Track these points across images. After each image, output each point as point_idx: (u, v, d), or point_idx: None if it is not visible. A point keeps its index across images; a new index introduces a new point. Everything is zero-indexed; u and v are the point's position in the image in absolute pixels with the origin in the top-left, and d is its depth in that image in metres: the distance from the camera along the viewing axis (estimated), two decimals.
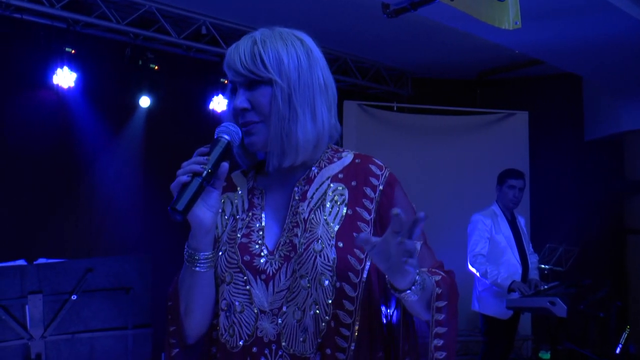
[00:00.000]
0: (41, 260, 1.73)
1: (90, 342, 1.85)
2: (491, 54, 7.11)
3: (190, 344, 1.51)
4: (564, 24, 5.11)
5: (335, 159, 1.56)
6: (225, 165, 1.41)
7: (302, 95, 1.47)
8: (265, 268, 1.46)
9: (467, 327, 6.88)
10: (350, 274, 1.43)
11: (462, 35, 5.45)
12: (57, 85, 5.51)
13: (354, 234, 1.45)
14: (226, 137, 1.44)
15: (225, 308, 1.47)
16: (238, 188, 1.58)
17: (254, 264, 1.47)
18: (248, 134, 1.47)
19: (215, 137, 1.44)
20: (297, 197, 1.50)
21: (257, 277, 1.45)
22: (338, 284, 1.42)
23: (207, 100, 6.32)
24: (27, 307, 1.73)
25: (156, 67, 5.86)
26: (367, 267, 1.44)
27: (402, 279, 1.30)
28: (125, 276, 1.75)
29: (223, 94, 6.33)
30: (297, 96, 1.46)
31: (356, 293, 1.43)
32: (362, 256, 1.44)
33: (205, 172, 1.37)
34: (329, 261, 1.42)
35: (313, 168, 1.53)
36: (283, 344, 1.43)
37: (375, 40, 6.86)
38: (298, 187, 1.52)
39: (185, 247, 1.44)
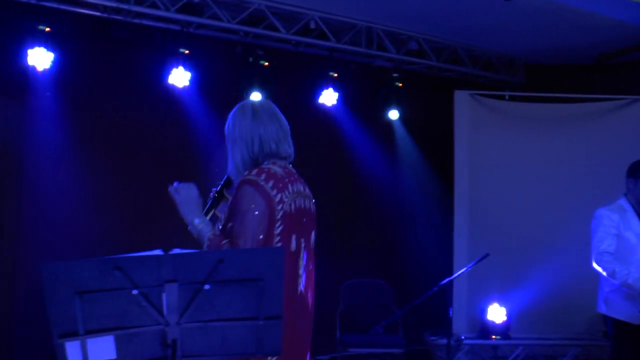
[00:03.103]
0: (176, 251, 1.76)
1: (222, 331, 1.87)
2: (611, 35, 6.68)
3: None
4: None
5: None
6: (225, 192, 2.66)
7: (229, 146, 2.61)
8: None
9: (588, 329, 6.52)
10: None
11: (579, 14, 5.14)
12: (173, 85, 5.70)
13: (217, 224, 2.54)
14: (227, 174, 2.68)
15: None
16: None
17: None
18: None
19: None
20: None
21: None
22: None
23: (317, 94, 6.35)
24: (163, 295, 1.75)
25: (266, 64, 5.94)
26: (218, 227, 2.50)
27: (183, 217, 2.49)
28: (256, 268, 1.74)
29: (334, 88, 6.34)
30: (229, 147, 2.61)
31: None
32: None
33: (213, 195, 2.69)
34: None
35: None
36: None
37: (486, 27, 6.64)
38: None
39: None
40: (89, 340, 1.80)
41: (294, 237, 2.45)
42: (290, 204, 2.46)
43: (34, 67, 5.23)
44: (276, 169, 2.50)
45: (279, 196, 2.42)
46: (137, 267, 1.72)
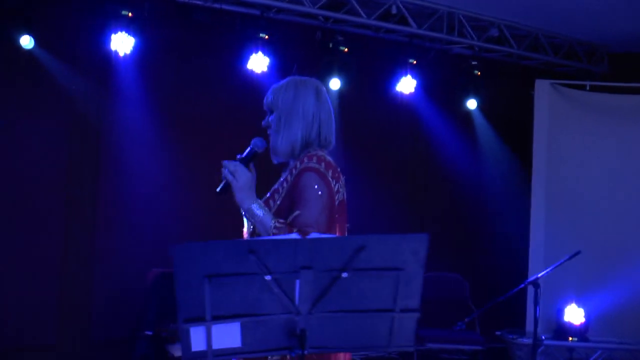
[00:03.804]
0: (314, 235, 1.65)
1: (353, 322, 1.76)
2: None
3: None
4: None
5: (304, 160, 2.33)
6: (250, 166, 2.32)
7: (286, 119, 2.36)
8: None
9: None
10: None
11: None
12: (251, 70, 5.63)
13: (269, 201, 2.35)
14: (255, 148, 2.33)
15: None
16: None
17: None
18: (268, 141, 2.41)
19: (249, 147, 2.33)
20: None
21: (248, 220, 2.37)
22: (253, 229, 2.31)
23: (395, 81, 6.20)
24: (297, 282, 1.65)
25: (346, 50, 5.81)
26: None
27: (235, 197, 2.27)
28: (398, 256, 1.62)
29: (412, 75, 6.19)
30: (284, 120, 2.36)
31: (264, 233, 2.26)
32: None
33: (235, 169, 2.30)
34: (253, 213, 2.28)
35: (291, 162, 2.39)
36: None
37: (569, 13, 6.36)
38: (283, 174, 2.41)
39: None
40: (214, 327, 1.72)
41: (338, 227, 2.38)
42: (343, 195, 2.40)
43: (116, 52, 5.24)
44: (329, 157, 2.40)
45: (336, 186, 2.35)
46: (272, 252, 1.62)
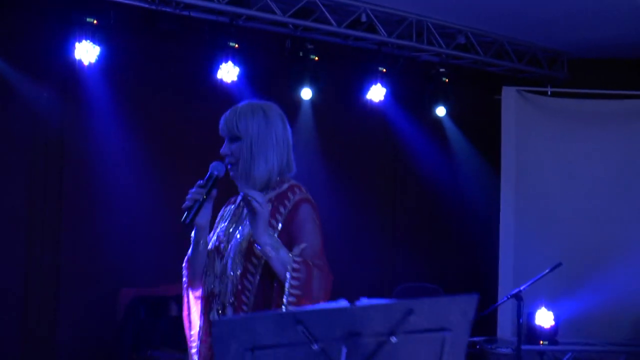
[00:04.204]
0: (363, 301, 1.57)
1: None
2: None
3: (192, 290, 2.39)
4: None
5: (277, 188, 2.31)
6: (214, 192, 2.26)
7: (260, 148, 2.27)
8: (222, 250, 2.32)
9: (636, 335, 6.36)
10: (252, 256, 2.23)
11: (626, 5, 4.92)
12: (221, 79, 5.48)
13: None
14: (215, 173, 2.26)
15: (205, 272, 2.33)
16: (233, 202, 2.45)
17: (219, 247, 2.34)
18: (230, 170, 2.32)
19: (209, 172, 2.26)
20: (241, 209, 2.36)
21: (218, 255, 2.33)
22: (245, 263, 2.25)
23: (365, 89, 6.14)
24: (344, 348, 1.56)
25: (316, 58, 5.72)
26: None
27: (255, 231, 2.15)
28: (447, 317, 1.55)
29: (382, 83, 6.14)
30: (256, 148, 2.27)
31: (256, 270, 2.24)
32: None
33: (202, 198, 2.23)
34: (241, 247, 2.26)
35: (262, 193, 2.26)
36: (220, 296, 2.28)
37: (532, 21, 6.42)
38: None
39: (192, 236, 2.31)
40: None
41: None
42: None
43: (80, 61, 5.01)
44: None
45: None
46: (320, 321, 1.53)
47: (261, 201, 2.15)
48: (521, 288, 4.49)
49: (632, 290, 6.17)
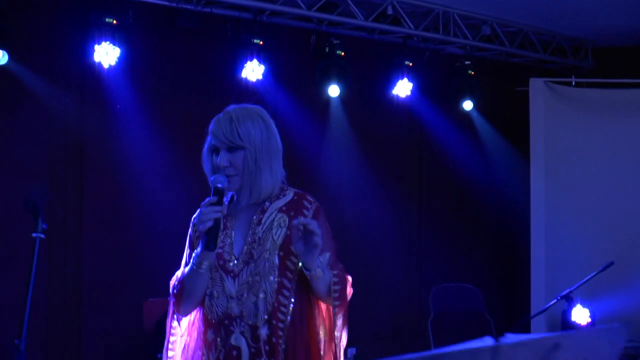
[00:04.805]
0: (508, 337, 1.37)
1: None
2: None
3: (183, 317, 2.26)
4: None
5: (281, 196, 2.25)
6: (226, 206, 2.20)
7: (264, 157, 2.17)
8: (233, 269, 2.19)
9: None
10: (287, 272, 2.16)
11: None
12: (246, 78, 5.27)
13: (291, 247, 2.14)
14: (220, 186, 2.13)
15: (209, 294, 2.18)
16: None
17: (226, 266, 2.20)
18: (229, 182, 2.16)
19: (213, 186, 2.12)
20: (254, 222, 2.21)
21: (228, 275, 2.18)
22: (279, 279, 2.15)
23: (392, 84, 5.95)
24: None
25: (342, 54, 5.51)
26: (298, 270, 2.16)
27: (311, 261, 2.08)
28: (594, 350, 1.36)
29: (408, 78, 5.94)
30: (260, 157, 2.17)
31: (291, 285, 2.16)
32: (296, 260, 2.16)
33: (220, 216, 2.09)
34: (273, 264, 2.16)
35: (266, 203, 2.23)
36: (244, 317, 2.15)
37: (556, 9, 6.22)
38: (256, 216, 2.22)
39: (194, 256, 2.15)
40: None
41: None
42: None
43: (99, 64, 4.79)
44: None
45: None
46: None
47: (319, 232, 2.05)
48: (572, 288, 4.33)
49: None
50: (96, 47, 4.71)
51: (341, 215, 5.68)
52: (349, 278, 2.30)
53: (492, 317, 5.57)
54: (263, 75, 5.27)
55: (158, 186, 5.23)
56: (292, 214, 2.20)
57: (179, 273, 2.27)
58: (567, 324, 6.14)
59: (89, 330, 5.10)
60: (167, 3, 4.99)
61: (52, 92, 4.88)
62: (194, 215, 2.29)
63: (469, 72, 6.36)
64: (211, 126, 2.22)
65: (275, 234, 2.19)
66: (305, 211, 2.21)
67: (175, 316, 2.26)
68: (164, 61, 5.23)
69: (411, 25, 5.80)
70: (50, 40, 4.85)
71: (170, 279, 2.30)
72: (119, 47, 4.77)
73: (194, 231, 2.27)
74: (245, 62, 5.20)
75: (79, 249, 5.16)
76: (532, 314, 6.36)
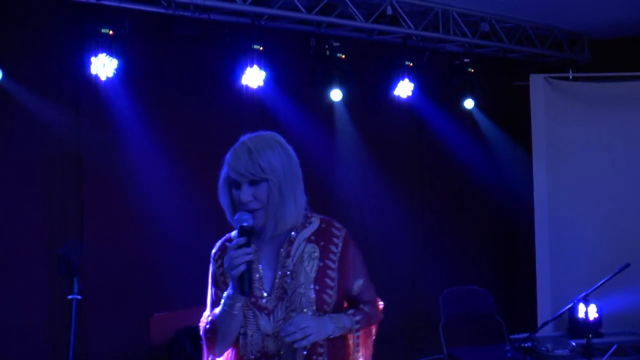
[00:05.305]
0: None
1: None
2: None
3: (218, 357, 2.17)
4: None
5: (307, 225, 2.17)
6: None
7: (287, 186, 2.06)
8: (266, 305, 2.10)
9: None
10: (324, 306, 2.11)
11: None
12: (246, 85, 5.15)
13: (325, 280, 2.12)
14: (246, 224, 2.02)
15: (242, 333, 2.09)
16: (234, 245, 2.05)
17: (258, 303, 2.10)
18: (253, 217, 2.05)
19: (239, 225, 2.03)
20: (283, 255, 2.13)
21: (262, 312, 2.10)
22: (317, 314, 2.09)
23: (393, 85, 5.86)
24: None
25: (343, 57, 5.41)
26: (334, 301, 2.13)
27: (327, 335, 2.10)
28: None
29: (409, 78, 5.85)
30: (284, 187, 2.06)
31: None
32: (332, 292, 2.13)
33: (250, 259, 1.99)
34: (309, 299, 2.09)
35: (292, 233, 2.14)
36: (282, 355, 2.08)
37: (552, 2, 6.16)
38: (283, 248, 2.13)
39: (224, 297, 2.06)
40: None
41: None
42: None
43: (96, 76, 4.64)
44: None
45: None
46: None
47: (304, 325, 2.03)
48: (589, 291, 4.29)
49: None
50: (93, 59, 4.57)
51: (350, 217, 5.59)
52: (381, 304, 2.30)
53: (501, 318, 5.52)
54: (264, 81, 5.15)
55: (159, 198, 5.10)
56: (322, 243, 2.14)
57: (207, 313, 2.19)
58: (574, 320, 6.11)
59: (94, 346, 4.98)
60: (163, 11, 4.85)
61: (47, 107, 4.72)
62: (213, 251, 2.22)
63: (469, 69, 6.28)
64: (228, 159, 2.08)
65: (308, 266, 2.12)
66: (335, 239, 2.16)
67: (210, 358, 2.18)
68: (163, 70, 5.09)
69: (411, 25, 5.71)
70: (45, 54, 4.70)
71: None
72: (116, 58, 4.63)
73: (216, 267, 2.18)
74: (245, 69, 5.08)
75: (81, 265, 5.01)
76: (538, 311, 6.32)
